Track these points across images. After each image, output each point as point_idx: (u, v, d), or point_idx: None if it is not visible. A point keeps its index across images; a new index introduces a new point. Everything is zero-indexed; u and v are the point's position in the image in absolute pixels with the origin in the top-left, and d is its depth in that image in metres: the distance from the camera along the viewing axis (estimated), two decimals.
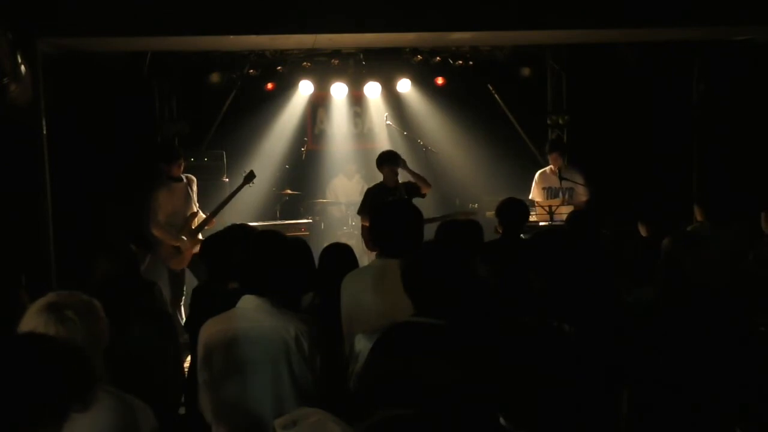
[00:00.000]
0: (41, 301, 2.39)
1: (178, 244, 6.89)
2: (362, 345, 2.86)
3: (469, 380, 2.41)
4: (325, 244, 4.29)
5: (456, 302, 2.58)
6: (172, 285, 6.98)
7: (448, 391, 2.38)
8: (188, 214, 7.01)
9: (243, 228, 4.12)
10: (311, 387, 2.91)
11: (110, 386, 2.36)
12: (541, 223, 6.98)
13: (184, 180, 7.07)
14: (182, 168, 7.06)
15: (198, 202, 7.21)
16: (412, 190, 7.12)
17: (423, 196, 7.19)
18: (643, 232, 5.55)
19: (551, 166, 7.65)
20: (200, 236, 6.91)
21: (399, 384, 2.44)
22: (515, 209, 4.96)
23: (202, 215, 7.11)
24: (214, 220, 7.04)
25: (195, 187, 7.19)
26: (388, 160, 7.07)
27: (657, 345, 2.87)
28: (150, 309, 3.80)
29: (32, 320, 2.34)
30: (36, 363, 1.91)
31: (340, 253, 4.12)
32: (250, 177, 7.32)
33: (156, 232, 6.80)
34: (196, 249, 6.78)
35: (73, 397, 1.92)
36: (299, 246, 3.33)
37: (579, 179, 7.47)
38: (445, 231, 4.40)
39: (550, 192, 7.62)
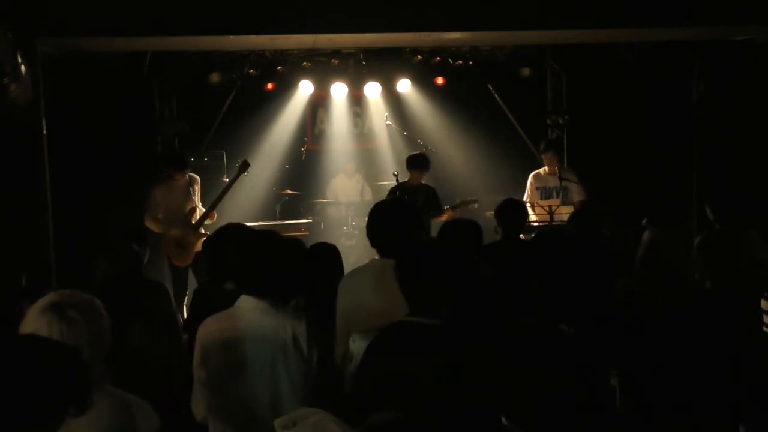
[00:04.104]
0: (43, 301, 2.35)
1: (172, 233, 6.90)
2: (357, 345, 2.84)
3: (469, 380, 2.41)
4: None
5: (456, 302, 2.58)
6: (174, 283, 6.99)
7: (446, 391, 2.38)
8: (187, 210, 7.02)
9: (239, 228, 4.12)
10: (309, 386, 2.91)
11: (111, 386, 2.36)
12: (540, 224, 6.97)
13: (186, 178, 7.08)
14: (186, 175, 7.11)
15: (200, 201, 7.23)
16: (431, 197, 7.38)
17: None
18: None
19: (545, 167, 7.62)
20: (202, 230, 6.94)
21: (396, 384, 2.44)
22: (513, 210, 5.00)
23: (203, 209, 7.13)
24: (215, 213, 7.06)
25: (198, 186, 7.21)
26: (418, 166, 7.44)
27: (657, 345, 2.87)
28: (150, 309, 3.80)
29: (35, 321, 2.31)
30: (33, 364, 1.91)
31: (326, 254, 4.06)
32: (245, 166, 7.32)
33: (149, 224, 6.84)
34: (200, 246, 6.80)
35: (69, 399, 1.91)
36: (296, 246, 3.32)
37: (574, 179, 7.47)
38: (446, 231, 4.41)
39: (544, 192, 7.59)
